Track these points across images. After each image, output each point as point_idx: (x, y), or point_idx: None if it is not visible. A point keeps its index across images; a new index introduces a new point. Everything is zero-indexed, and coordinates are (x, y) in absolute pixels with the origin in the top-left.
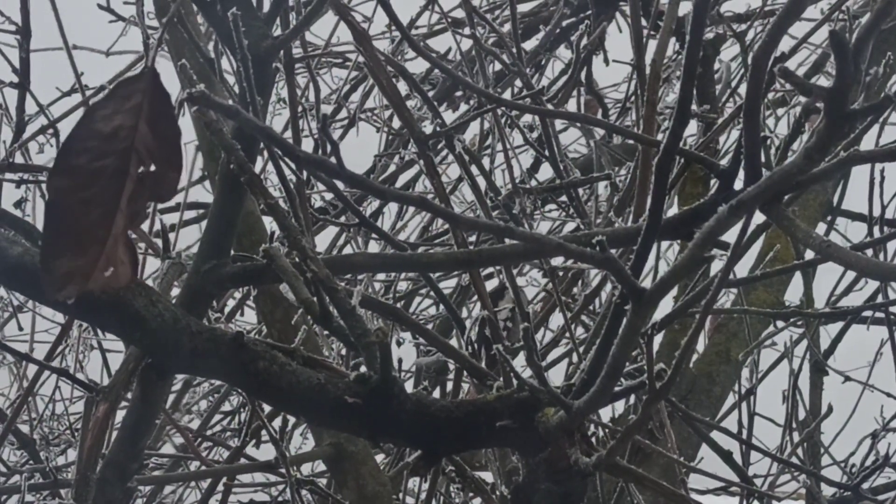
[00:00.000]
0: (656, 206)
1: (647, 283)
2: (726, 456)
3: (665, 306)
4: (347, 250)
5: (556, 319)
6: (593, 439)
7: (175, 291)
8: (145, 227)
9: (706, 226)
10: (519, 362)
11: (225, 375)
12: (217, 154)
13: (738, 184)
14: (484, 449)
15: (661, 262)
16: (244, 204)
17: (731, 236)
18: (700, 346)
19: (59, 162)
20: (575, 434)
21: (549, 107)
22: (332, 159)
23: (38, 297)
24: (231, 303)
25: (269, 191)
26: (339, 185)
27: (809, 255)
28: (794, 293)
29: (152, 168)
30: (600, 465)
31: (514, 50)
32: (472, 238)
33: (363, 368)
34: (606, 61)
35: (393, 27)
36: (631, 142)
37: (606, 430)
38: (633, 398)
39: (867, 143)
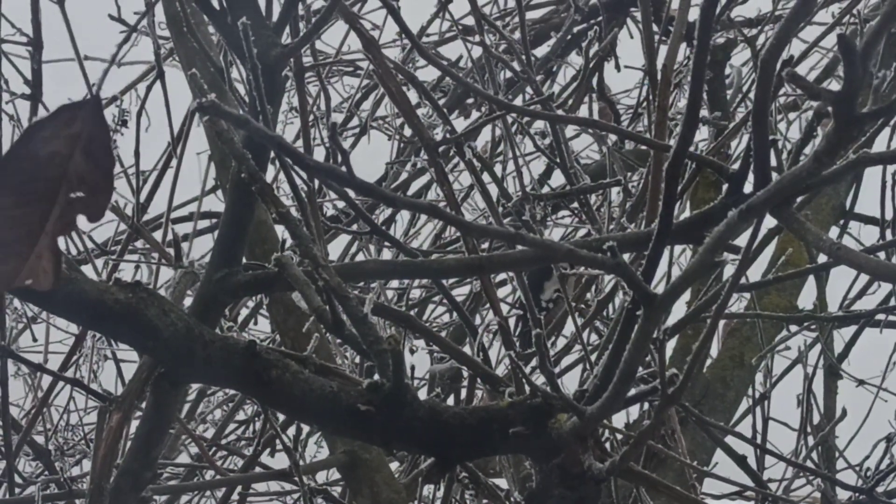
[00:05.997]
0: (667, 210)
1: (659, 288)
2: (741, 460)
3: (678, 313)
4: (359, 258)
5: (569, 327)
6: (607, 445)
7: (188, 301)
8: (158, 236)
9: (716, 230)
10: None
11: (238, 384)
12: (229, 163)
13: (749, 188)
14: (497, 455)
15: (674, 268)
16: (256, 213)
17: (742, 241)
18: (714, 350)
19: None
20: (588, 440)
21: (560, 113)
22: (343, 168)
23: None
24: (244, 312)
25: (280, 199)
26: (351, 193)
27: (822, 258)
28: (807, 298)
29: (81, 195)
30: (614, 471)
31: (525, 57)
32: (485, 245)
33: (376, 376)
34: (618, 67)
35: (403, 36)
36: (643, 147)
37: (620, 436)
38: (646, 404)
39: (879, 146)
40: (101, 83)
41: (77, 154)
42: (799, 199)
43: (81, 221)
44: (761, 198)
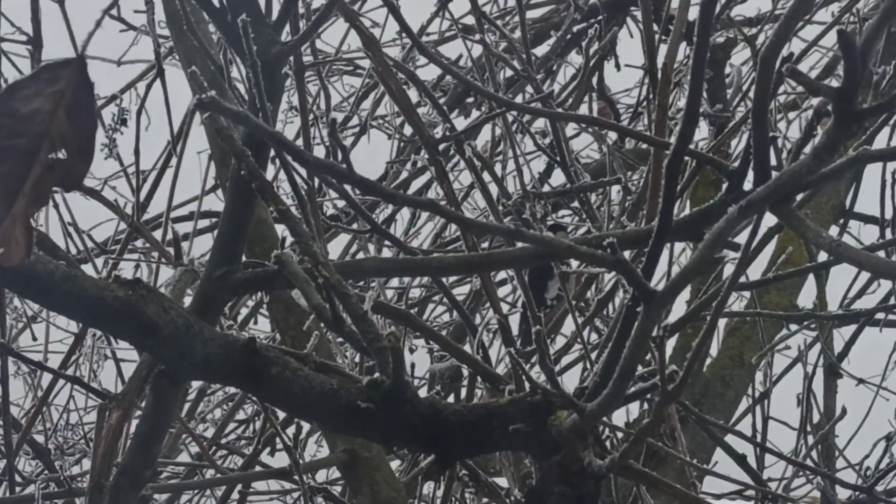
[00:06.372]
0: (667, 207)
1: (659, 286)
2: (740, 459)
3: (677, 312)
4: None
5: (570, 325)
6: (607, 443)
7: (188, 300)
8: (158, 235)
9: (716, 226)
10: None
11: (237, 381)
12: (229, 162)
13: (748, 185)
14: (497, 453)
15: (674, 267)
16: (255, 211)
17: (742, 239)
18: (713, 349)
19: None
20: (588, 437)
21: (560, 111)
22: (343, 164)
23: None
24: (244, 311)
25: (280, 197)
26: (351, 191)
27: (822, 257)
28: (806, 297)
29: (62, 156)
30: (614, 468)
31: (525, 55)
32: (485, 245)
33: (377, 375)
34: (618, 66)
35: (403, 34)
36: (643, 146)
37: (620, 434)
38: (646, 403)
39: (878, 146)
40: (86, 44)
41: (60, 112)
42: (799, 198)
43: (80, 219)
44: (761, 194)
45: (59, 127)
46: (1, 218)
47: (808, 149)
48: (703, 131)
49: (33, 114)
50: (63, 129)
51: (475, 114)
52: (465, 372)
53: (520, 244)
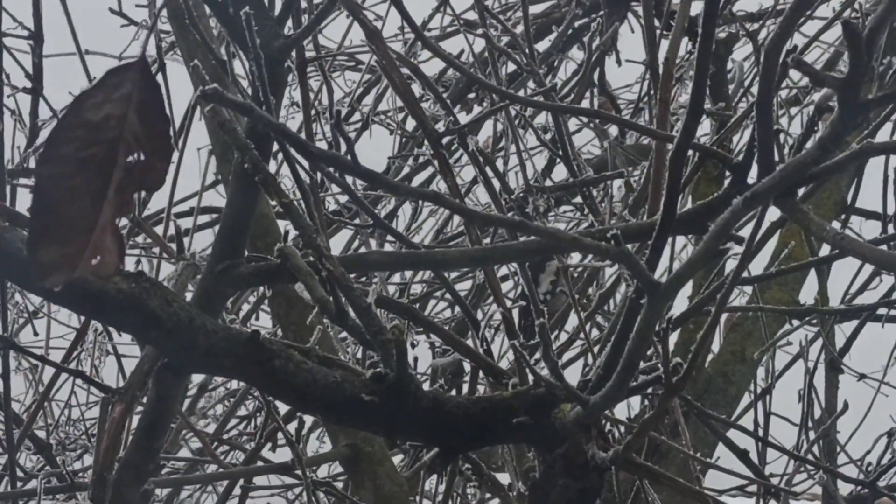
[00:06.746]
0: (670, 200)
1: (662, 281)
2: (743, 455)
3: (680, 309)
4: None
5: (571, 322)
6: (609, 437)
7: (189, 297)
8: (160, 231)
9: (721, 218)
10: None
11: (241, 374)
12: (230, 157)
13: (752, 180)
14: (500, 448)
15: (676, 263)
16: (258, 204)
17: (746, 234)
18: (715, 345)
19: (46, 150)
20: (592, 430)
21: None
22: (347, 156)
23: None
24: (246, 307)
25: (283, 190)
26: (353, 187)
27: (824, 252)
28: (808, 293)
29: (141, 157)
30: (617, 460)
31: (527, 50)
32: (487, 241)
33: (380, 368)
34: (619, 61)
35: (406, 28)
36: (644, 142)
37: (623, 428)
38: (648, 399)
39: (881, 141)
40: (145, 45)
41: (131, 114)
42: (802, 192)
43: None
44: (766, 185)
45: (132, 129)
46: (90, 227)
47: (809, 144)
48: (704, 127)
49: (105, 120)
50: (136, 131)
51: (477, 109)
52: (468, 368)
53: (523, 238)
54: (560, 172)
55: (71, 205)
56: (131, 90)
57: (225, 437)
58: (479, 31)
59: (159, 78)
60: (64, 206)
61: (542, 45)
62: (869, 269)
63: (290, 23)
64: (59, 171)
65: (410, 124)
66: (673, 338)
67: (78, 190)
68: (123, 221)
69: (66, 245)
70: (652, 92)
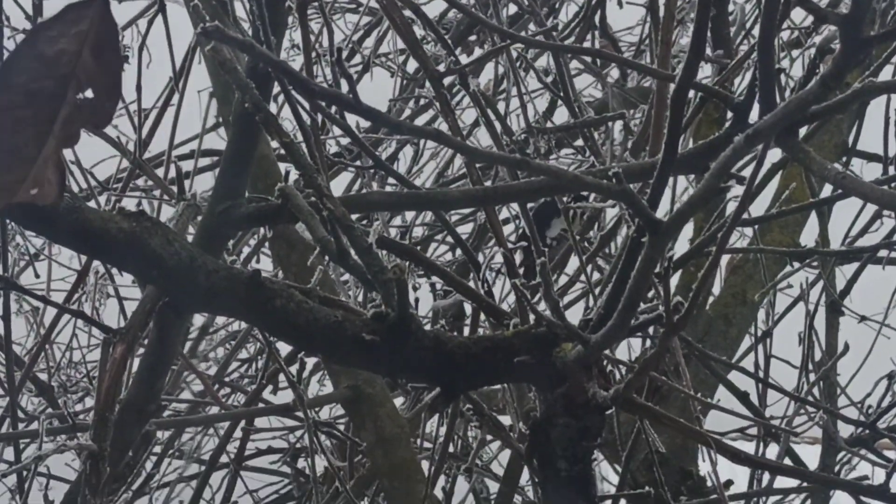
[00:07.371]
0: (672, 139)
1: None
2: (743, 396)
3: (680, 251)
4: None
5: (572, 265)
6: (611, 378)
7: (190, 239)
8: (160, 173)
9: (722, 155)
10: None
11: (242, 313)
12: (231, 99)
13: (753, 121)
14: (500, 389)
15: (676, 205)
16: (258, 145)
17: (747, 173)
18: (716, 288)
19: None
20: (593, 369)
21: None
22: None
23: None
24: (246, 249)
25: (284, 129)
26: (354, 127)
27: (825, 193)
28: (809, 236)
29: (90, 95)
30: (618, 399)
31: None
32: (488, 183)
33: (382, 307)
34: (620, 3)
35: None
36: (645, 84)
37: (624, 369)
38: (649, 341)
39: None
40: None
41: (85, 52)
42: (803, 133)
43: (83, 157)
44: (768, 122)
45: (84, 67)
46: (33, 159)
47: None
48: (706, 70)
49: (59, 55)
50: (89, 69)
51: (478, 52)
52: (469, 310)
53: (525, 178)
54: (561, 115)
55: (16, 135)
56: (88, 28)
57: (226, 379)
58: None
59: (159, 21)
60: (8, 136)
61: None
62: (870, 210)
63: None
64: (9, 100)
65: (412, 66)
66: (674, 280)
67: (24, 121)
68: (124, 163)
69: (7, 172)
70: (653, 34)
